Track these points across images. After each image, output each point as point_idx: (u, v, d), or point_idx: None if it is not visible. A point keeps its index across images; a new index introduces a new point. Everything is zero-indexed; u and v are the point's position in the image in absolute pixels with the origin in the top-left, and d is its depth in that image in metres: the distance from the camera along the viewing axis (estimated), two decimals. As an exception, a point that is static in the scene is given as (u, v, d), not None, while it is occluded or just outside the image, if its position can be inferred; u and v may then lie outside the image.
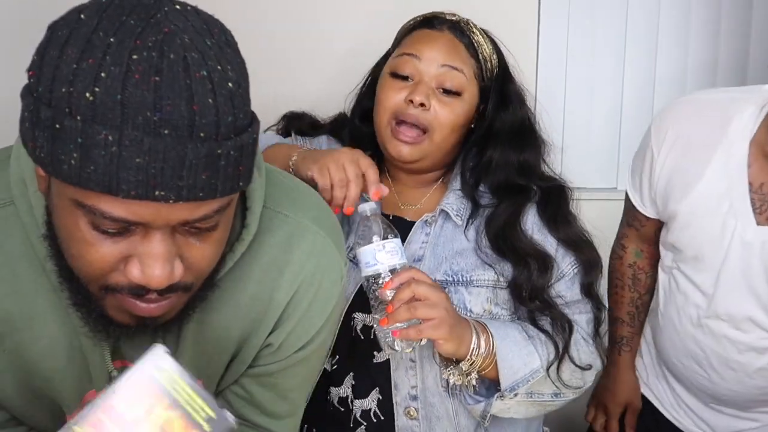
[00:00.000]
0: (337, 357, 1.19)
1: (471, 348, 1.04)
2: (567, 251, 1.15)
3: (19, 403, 0.84)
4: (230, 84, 0.64)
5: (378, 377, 1.17)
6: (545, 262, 1.12)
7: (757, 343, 1.20)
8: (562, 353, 1.09)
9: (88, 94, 0.60)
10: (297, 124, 1.35)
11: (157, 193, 0.62)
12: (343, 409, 1.20)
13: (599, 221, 1.78)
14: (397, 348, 1.03)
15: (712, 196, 1.17)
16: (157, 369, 0.64)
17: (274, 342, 0.88)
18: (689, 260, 1.23)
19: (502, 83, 1.20)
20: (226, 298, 0.84)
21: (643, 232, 1.38)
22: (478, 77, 1.17)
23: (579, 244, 1.16)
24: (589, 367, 1.14)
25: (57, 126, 0.61)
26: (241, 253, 0.81)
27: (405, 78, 1.14)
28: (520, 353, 1.07)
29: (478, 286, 1.13)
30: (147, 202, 0.62)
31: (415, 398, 1.16)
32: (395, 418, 1.17)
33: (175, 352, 0.85)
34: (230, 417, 0.65)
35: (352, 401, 1.19)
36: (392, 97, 1.13)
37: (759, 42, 1.85)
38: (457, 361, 1.07)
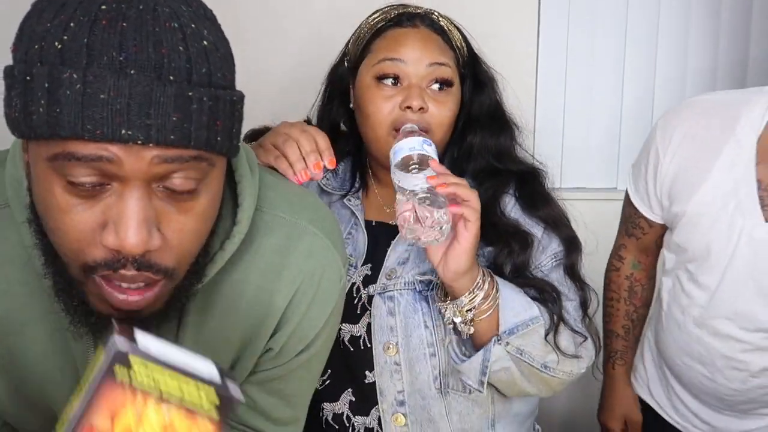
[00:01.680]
0: (329, 371, 1.16)
1: (476, 281, 1.01)
2: (550, 237, 1.13)
3: (12, 410, 0.84)
4: (205, 42, 0.65)
5: (373, 394, 1.15)
6: (525, 239, 1.10)
7: (762, 342, 1.20)
8: (557, 319, 1.06)
9: (57, 43, 0.61)
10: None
11: (123, 131, 0.60)
12: (337, 427, 1.18)
13: (599, 221, 1.78)
14: (423, 236, 0.97)
15: (719, 195, 1.16)
16: (119, 365, 0.57)
17: (274, 346, 0.87)
18: (695, 260, 1.23)
19: (473, 67, 1.18)
20: (224, 303, 0.83)
21: (644, 240, 1.37)
22: (458, 66, 1.15)
23: (557, 222, 1.14)
24: (584, 339, 1.11)
25: (27, 78, 0.62)
26: (231, 252, 0.80)
27: (392, 83, 1.10)
28: (521, 300, 1.05)
29: None
30: (116, 144, 0.61)
31: (402, 403, 1.13)
32: (382, 426, 1.14)
33: None
34: (233, 387, 0.61)
35: (349, 418, 1.17)
36: (385, 107, 1.09)
37: (759, 43, 1.85)
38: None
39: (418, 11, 1.16)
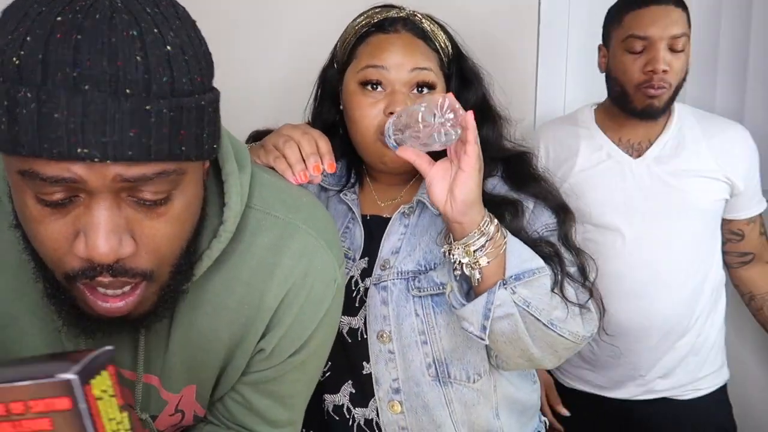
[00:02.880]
0: (330, 363, 1.17)
1: (483, 218, 1.00)
2: (542, 209, 1.12)
3: None
4: (168, 47, 0.63)
5: (370, 386, 1.16)
6: (515, 206, 1.09)
7: None
8: (561, 275, 1.05)
9: (14, 59, 0.60)
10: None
11: (79, 150, 0.60)
12: (338, 418, 1.19)
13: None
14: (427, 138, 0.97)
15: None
16: (79, 400, 0.53)
17: (265, 347, 0.87)
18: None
19: (459, 65, 1.18)
20: (215, 300, 0.83)
21: None
22: (442, 68, 1.15)
23: (546, 194, 1.14)
24: (589, 295, 1.08)
25: None
26: (219, 250, 0.79)
27: (376, 88, 1.11)
28: (527, 249, 1.04)
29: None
30: (76, 163, 0.61)
31: (397, 391, 1.14)
32: (379, 415, 1.15)
33: (164, 355, 0.84)
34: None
35: (349, 410, 1.18)
36: (370, 113, 1.10)
37: (758, 43, 1.85)
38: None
39: (401, 15, 1.16)
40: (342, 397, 1.18)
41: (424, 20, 1.16)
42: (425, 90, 1.11)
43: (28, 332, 0.79)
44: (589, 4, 1.86)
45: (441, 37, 1.17)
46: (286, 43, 1.80)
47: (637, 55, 1.50)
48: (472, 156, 0.97)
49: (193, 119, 0.65)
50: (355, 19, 1.19)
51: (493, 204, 1.08)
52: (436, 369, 1.12)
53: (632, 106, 1.53)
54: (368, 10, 1.19)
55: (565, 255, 1.09)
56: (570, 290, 1.06)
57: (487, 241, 1.00)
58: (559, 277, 1.05)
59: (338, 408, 1.19)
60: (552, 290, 1.03)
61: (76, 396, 0.52)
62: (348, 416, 1.18)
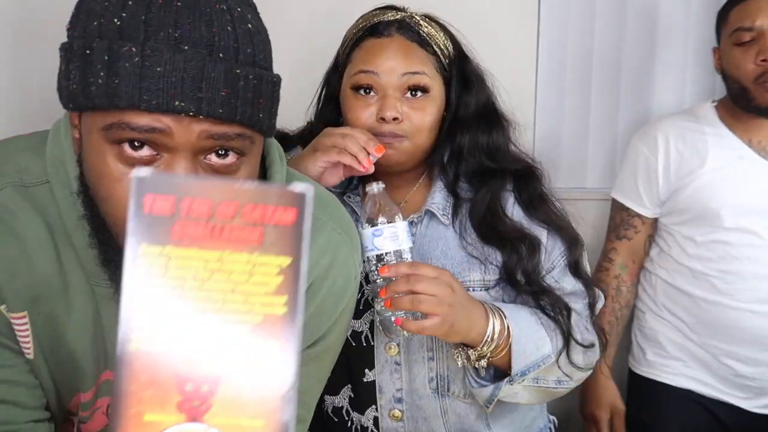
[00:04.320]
0: None
1: (485, 336, 1.03)
2: (555, 239, 1.14)
3: (41, 376, 0.85)
4: (249, 25, 0.69)
5: (369, 394, 1.17)
6: (532, 244, 1.11)
7: None
8: (567, 338, 1.08)
9: (115, 20, 0.66)
10: None
11: (177, 103, 0.64)
12: (337, 420, 1.19)
13: (599, 221, 1.79)
14: (395, 334, 1.03)
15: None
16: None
17: None
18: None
19: (460, 66, 1.18)
20: None
21: (636, 241, 1.63)
22: (440, 70, 1.14)
23: (558, 222, 1.15)
24: (592, 345, 1.13)
25: (87, 51, 0.66)
26: None
27: (368, 93, 1.12)
28: (532, 338, 1.06)
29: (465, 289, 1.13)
30: (168, 115, 0.65)
31: (400, 401, 1.15)
32: (379, 420, 1.16)
33: None
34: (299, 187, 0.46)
35: (348, 412, 1.19)
36: (363, 116, 1.11)
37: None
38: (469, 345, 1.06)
39: (396, 17, 1.15)
40: (342, 399, 1.19)
41: (421, 22, 1.15)
42: (419, 93, 1.11)
43: (76, 306, 0.81)
44: (589, 3, 1.86)
45: (440, 38, 1.16)
46: (287, 43, 1.80)
47: (746, 46, 1.45)
48: (436, 335, 1.02)
49: (269, 92, 0.71)
50: (356, 21, 1.19)
51: (512, 237, 1.10)
52: (437, 383, 1.14)
53: (755, 104, 1.46)
54: (367, 13, 1.19)
55: (577, 287, 1.13)
56: (577, 335, 1.10)
57: (486, 349, 1.04)
58: (566, 341, 1.09)
59: (338, 410, 1.20)
60: (557, 362, 1.08)
61: (305, 212, 0.47)
62: (347, 418, 1.19)
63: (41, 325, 0.80)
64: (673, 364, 1.58)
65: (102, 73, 0.65)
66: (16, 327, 0.80)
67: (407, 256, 1.03)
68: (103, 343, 0.83)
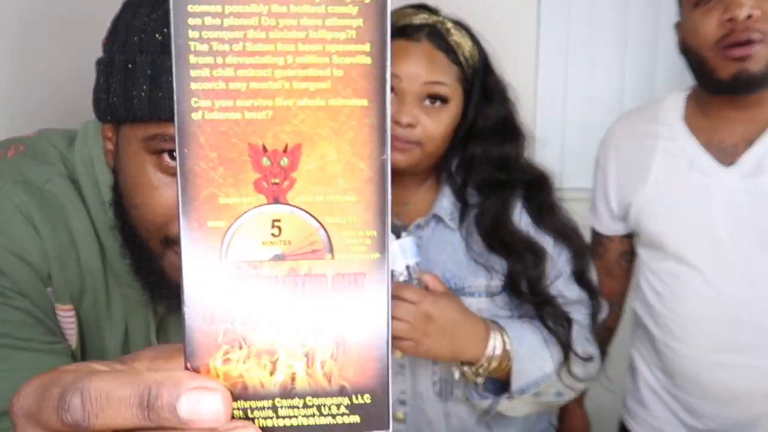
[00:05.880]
0: None
1: (483, 357, 1.03)
2: (561, 247, 1.14)
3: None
4: None
5: None
6: (538, 254, 1.11)
7: None
8: (567, 352, 1.08)
9: (157, 35, 0.68)
10: None
11: None
12: None
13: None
14: None
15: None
16: None
17: None
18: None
19: (483, 77, 1.16)
20: None
21: (608, 260, 1.39)
22: (462, 81, 1.13)
23: (566, 231, 1.14)
24: (591, 359, 1.13)
25: (129, 66, 0.68)
26: None
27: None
28: (534, 357, 1.06)
29: (469, 295, 1.12)
30: None
31: (403, 403, 1.15)
32: None
33: None
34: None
35: None
36: None
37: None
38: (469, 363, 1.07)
39: (428, 21, 1.13)
40: None
41: (452, 30, 1.13)
42: (438, 102, 1.10)
43: (113, 301, 0.82)
44: (589, 3, 1.86)
45: (467, 48, 1.14)
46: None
47: (708, 6, 1.14)
48: (422, 352, 1.01)
49: None
50: None
51: (516, 246, 1.10)
52: (441, 387, 1.14)
53: (716, 78, 1.14)
54: (399, 9, 1.16)
55: (582, 296, 1.13)
56: (578, 347, 1.10)
57: (491, 367, 1.04)
58: (566, 350, 1.09)
59: None
60: (558, 375, 1.07)
61: None
62: None
63: (84, 318, 0.82)
64: (642, 413, 1.34)
65: (145, 87, 0.67)
66: (63, 319, 0.81)
67: (398, 276, 1.03)
68: (127, 346, 0.85)
